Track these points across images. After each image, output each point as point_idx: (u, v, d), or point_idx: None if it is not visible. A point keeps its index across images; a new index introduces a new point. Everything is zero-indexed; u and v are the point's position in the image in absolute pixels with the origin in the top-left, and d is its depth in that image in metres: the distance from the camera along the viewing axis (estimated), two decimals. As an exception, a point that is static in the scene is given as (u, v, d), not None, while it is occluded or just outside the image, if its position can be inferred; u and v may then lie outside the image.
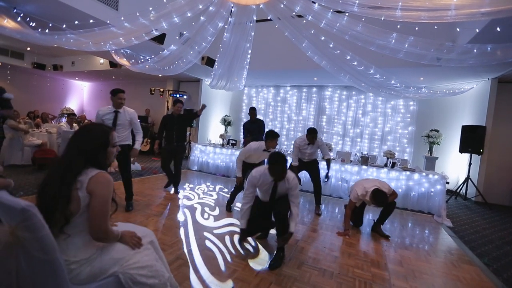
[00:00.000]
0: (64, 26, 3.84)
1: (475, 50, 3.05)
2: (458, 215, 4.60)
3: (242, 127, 5.42)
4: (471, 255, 2.99)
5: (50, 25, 3.95)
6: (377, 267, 2.52)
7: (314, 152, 4.22)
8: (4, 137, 5.05)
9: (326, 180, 4.26)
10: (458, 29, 4.13)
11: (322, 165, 4.50)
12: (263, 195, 2.69)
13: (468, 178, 5.49)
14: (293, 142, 4.37)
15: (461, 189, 5.67)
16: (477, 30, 3.53)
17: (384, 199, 3.04)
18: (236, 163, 3.73)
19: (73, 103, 11.68)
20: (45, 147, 5.81)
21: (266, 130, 5.12)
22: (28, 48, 7.94)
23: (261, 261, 2.43)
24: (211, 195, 4.57)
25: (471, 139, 5.43)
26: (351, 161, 5.47)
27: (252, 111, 5.50)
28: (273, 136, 3.44)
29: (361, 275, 2.35)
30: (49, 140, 6.13)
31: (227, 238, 2.88)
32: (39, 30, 3.85)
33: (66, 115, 10.08)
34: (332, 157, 5.68)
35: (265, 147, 3.50)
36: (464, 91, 5.63)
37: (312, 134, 3.97)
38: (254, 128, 5.36)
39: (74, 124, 6.20)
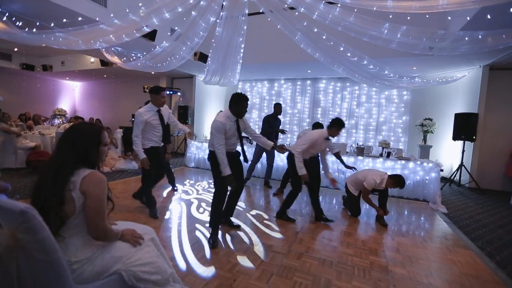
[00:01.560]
0: (52, 24, 3.75)
1: (466, 38, 3.08)
2: (453, 201, 4.70)
3: (263, 120, 5.20)
4: (466, 239, 3.07)
5: (38, 24, 3.86)
6: (375, 255, 2.57)
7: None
8: (-4, 141, 4.97)
9: (355, 168, 3.98)
10: (449, 18, 4.15)
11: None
12: (229, 142, 2.60)
13: (461, 165, 5.59)
14: (290, 135, 4.25)
15: (455, 176, 5.78)
16: (468, 18, 3.55)
17: (403, 180, 3.43)
18: (296, 158, 3.15)
19: (65, 104, 11.50)
20: (39, 149, 5.73)
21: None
22: (16, 49, 7.74)
23: (260, 253, 2.47)
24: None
25: (464, 127, 5.51)
26: (347, 152, 5.52)
27: (280, 106, 5.17)
28: (341, 124, 3.25)
29: (359, 263, 2.40)
30: (43, 142, 6.05)
31: (228, 233, 2.91)
32: (26, 29, 3.76)
33: (58, 116, 9.95)
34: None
35: (327, 136, 3.30)
36: (457, 79, 5.69)
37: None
38: (277, 124, 5.15)
39: None
